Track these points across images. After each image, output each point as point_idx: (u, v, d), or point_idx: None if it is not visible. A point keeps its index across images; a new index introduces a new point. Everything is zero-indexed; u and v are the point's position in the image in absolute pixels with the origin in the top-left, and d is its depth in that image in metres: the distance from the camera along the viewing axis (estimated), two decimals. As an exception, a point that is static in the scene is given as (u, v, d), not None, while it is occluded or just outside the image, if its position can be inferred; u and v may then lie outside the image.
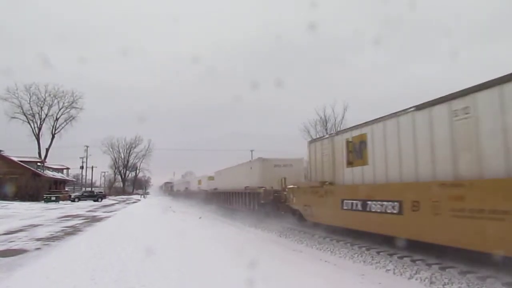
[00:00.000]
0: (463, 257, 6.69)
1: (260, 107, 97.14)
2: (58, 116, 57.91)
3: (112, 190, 79.74)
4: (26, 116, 55.67)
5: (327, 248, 9.76)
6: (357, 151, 9.88)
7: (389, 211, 7.88)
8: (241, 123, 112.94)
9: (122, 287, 5.52)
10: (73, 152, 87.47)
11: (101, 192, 57.85)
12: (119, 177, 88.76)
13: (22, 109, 55.27)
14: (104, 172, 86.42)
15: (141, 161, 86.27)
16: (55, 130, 57.83)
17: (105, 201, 47.09)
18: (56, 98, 57.45)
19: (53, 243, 10.55)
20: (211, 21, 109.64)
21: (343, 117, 47.11)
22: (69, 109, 58.32)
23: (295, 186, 13.84)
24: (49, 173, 51.58)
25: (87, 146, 67.48)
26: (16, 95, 54.43)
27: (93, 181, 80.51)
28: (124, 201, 49.55)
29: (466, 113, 6.38)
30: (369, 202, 8.62)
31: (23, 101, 55.15)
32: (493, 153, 5.90)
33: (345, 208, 9.67)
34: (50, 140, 57.45)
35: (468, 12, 72.20)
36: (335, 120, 47.81)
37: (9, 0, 76.56)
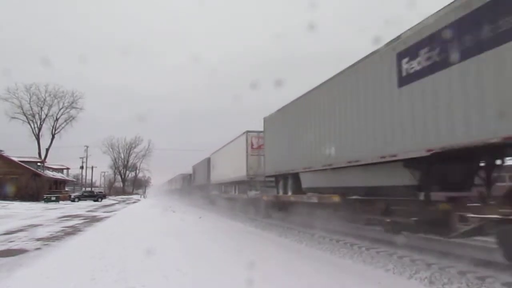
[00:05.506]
0: (463, 257, 6.70)
1: (260, 108, 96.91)
2: (58, 116, 57.95)
3: (112, 190, 79.67)
4: (26, 116, 55.72)
5: (326, 248, 9.77)
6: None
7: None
8: (241, 124, 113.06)
9: (122, 287, 5.52)
10: (73, 152, 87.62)
11: (101, 192, 57.88)
12: (119, 177, 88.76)
13: (22, 109, 55.33)
14: (104, 172, 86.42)
15: (141, 161, 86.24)
16: (55, 130, 57.85)
17: (105, 201, 47.08)
18: (56, 98, 57.50)
19: (53, 243, 10.55)
20: (212, 23, 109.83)
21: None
22: (69, 109, 58.37)
23: None
24: (49, 173, 51.57)
25: (87, 146, 67.26)
26: (16, 95, 54.47)
27: (93, 181, 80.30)
28: (124, 201, 49.55)
29: None
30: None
31: (23, 101, 55.20)
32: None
33: None
34: (50, 140, 57.45)
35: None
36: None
37: (9, 0, 76.56)
